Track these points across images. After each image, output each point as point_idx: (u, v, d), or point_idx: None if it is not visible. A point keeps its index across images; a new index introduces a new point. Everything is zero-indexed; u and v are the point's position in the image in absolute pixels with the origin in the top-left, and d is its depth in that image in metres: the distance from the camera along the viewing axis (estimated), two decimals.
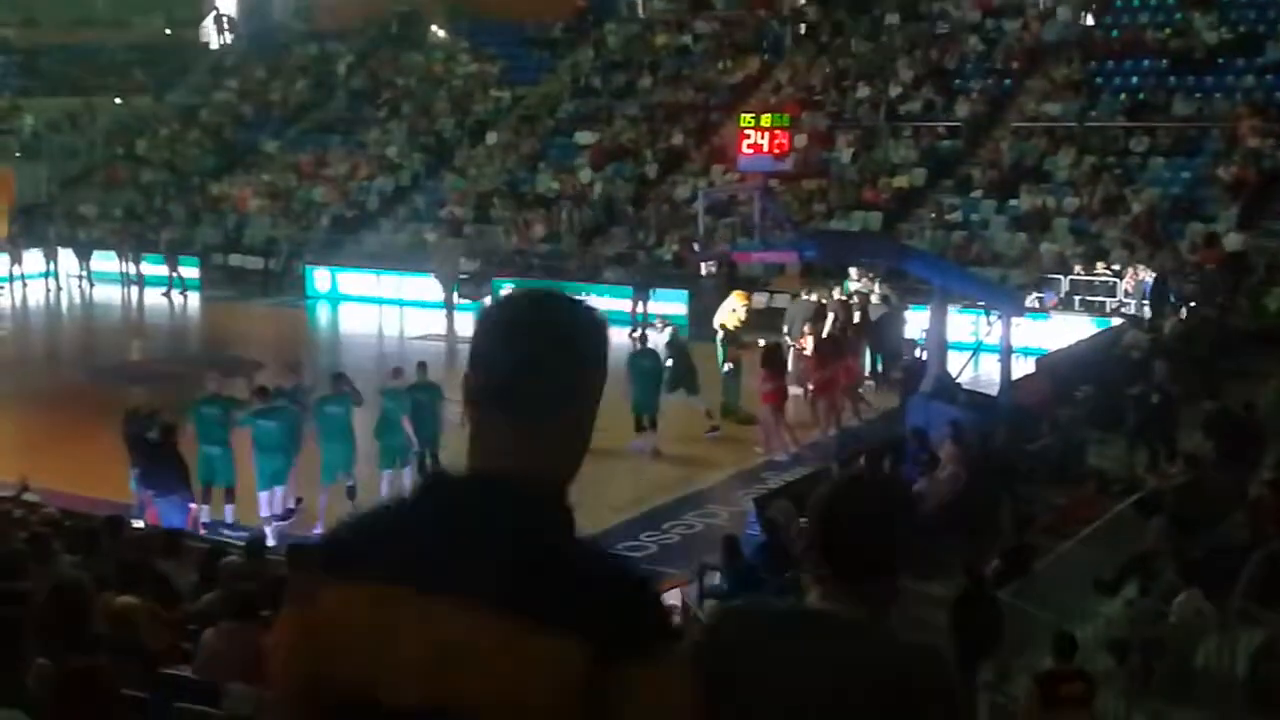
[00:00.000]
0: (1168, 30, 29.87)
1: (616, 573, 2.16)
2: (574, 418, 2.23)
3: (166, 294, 31.65)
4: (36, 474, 16.51)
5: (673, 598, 12.49)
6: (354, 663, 2.06)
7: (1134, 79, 29.23)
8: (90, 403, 22.12)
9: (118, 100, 42.33)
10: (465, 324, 22.80)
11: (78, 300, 32.28)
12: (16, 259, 32.47)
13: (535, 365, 2.16)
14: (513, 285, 25.89)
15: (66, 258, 33.14)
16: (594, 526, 14.68)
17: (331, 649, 2.08)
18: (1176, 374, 16.81)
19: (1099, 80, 29.44)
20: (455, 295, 27.12)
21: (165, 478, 14.48)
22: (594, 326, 2.27)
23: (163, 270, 31.93)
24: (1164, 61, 29.17)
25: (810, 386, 18.85)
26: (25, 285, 32.35)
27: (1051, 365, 18.60)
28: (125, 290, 32.50)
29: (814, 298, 21.19)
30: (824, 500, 2.89)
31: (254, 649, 7.45)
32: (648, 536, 14.89)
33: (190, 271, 32.24)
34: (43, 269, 32.59)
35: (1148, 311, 22.13)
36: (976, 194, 27.80)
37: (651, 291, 26.02)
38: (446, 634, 2.01)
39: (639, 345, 18.96)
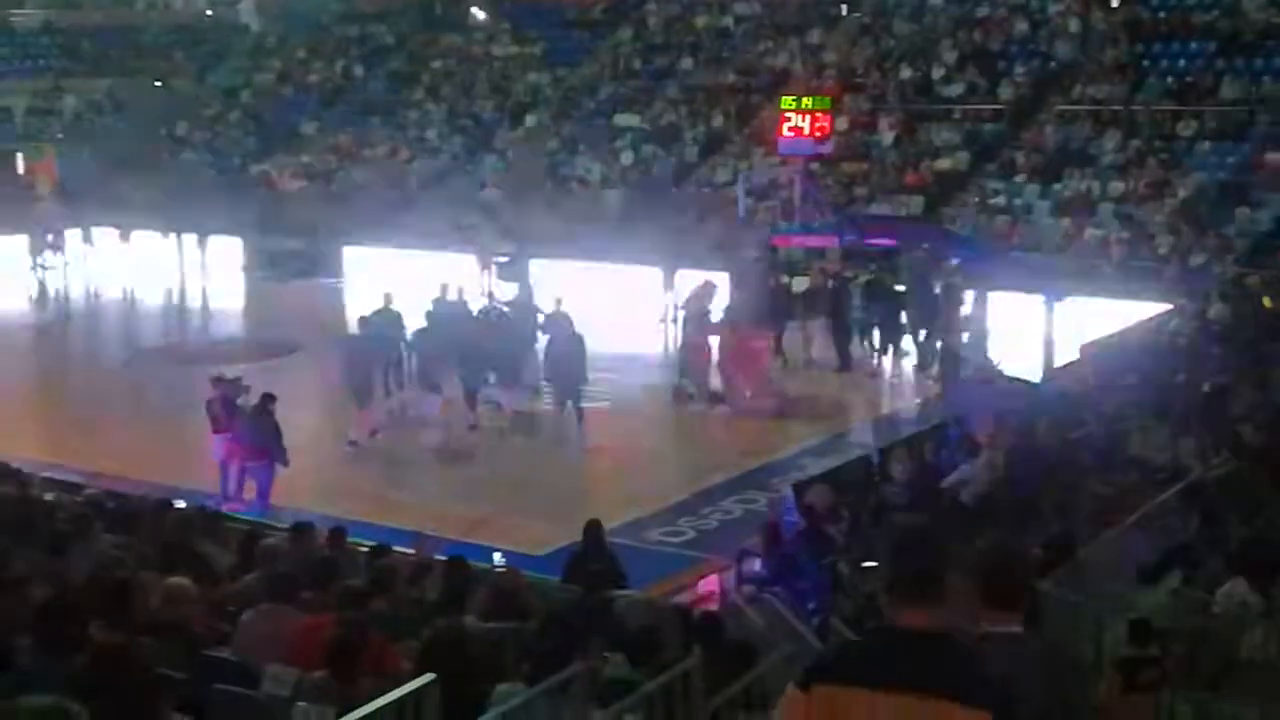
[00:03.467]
0: (1216, 11, 29.42)
1: (988, 672, 3.45)
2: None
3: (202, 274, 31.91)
4: (80, 456, 16.73)
5: (710, 584, 12.48)
6: None
7: (1181, 61, 28.81)
8: (132, 385, 22.31)
9: (159, 82, 42.51)
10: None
11: (118, 282, 32.43)
12: (59, 240, 32.65)
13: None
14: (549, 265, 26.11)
15: (108, 238, 33.33)
16: (636, 512, 14.73)
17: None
18: (1226, 361, 16.59)
19: (1145, 63, 29.05)
20: (492, 277, 27.14)
21: (265, 441, 15.19)
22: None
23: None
24: (1212, 43, 28.75)
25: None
26: (66, 266, 32.53)
27: (1096, 352, 18.38)
28: (166, 271, 32.68)
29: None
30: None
31: (293, 630, 7.46)
32: (686, 522, 14.85)
33: (231, 252, 32.42)
34: (83, 250, 32.72)
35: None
36: (1020, 178, 27.51)
37: (679, 274, 25.87)
38: (907, 714, 3.30)
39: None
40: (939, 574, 3.42)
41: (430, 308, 20.37)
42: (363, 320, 19.33)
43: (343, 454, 17.58)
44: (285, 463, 15.29)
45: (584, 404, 18.16)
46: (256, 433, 15.32)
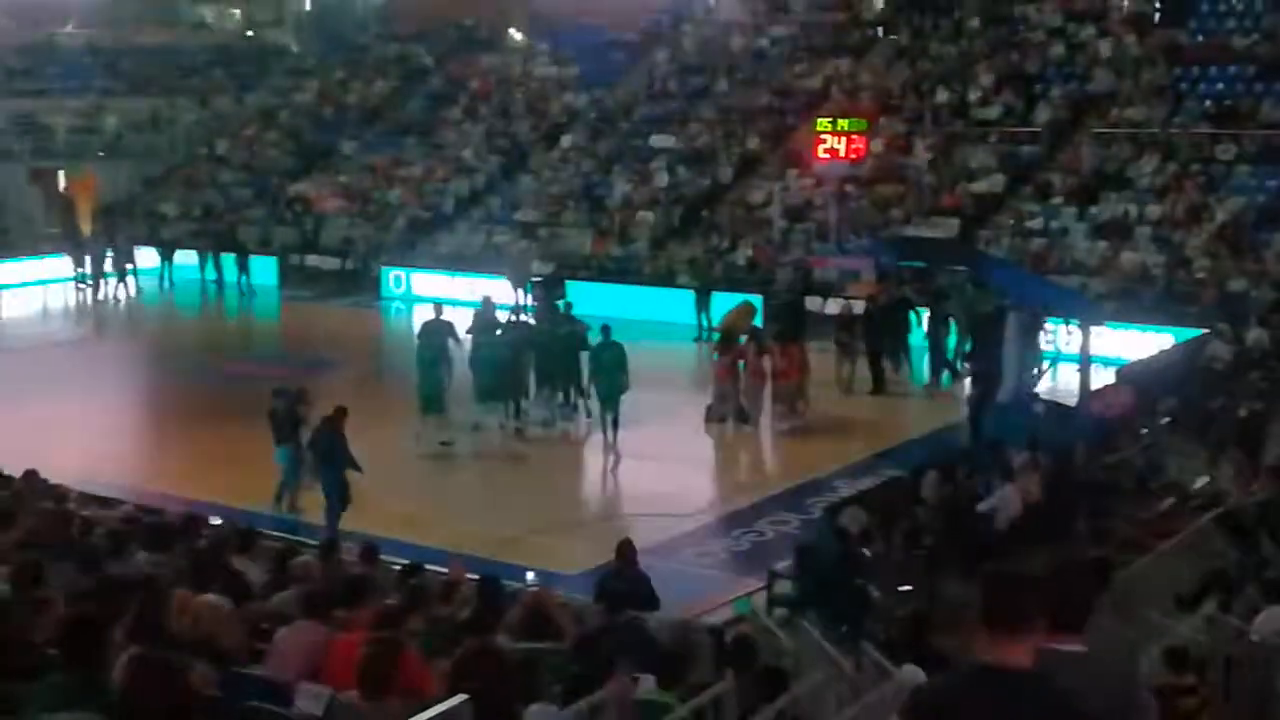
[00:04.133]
0: (1255, 35, 29.28)
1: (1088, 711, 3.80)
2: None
3: (241, 294, 32.18)
4: (117, 472, 16.85)
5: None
6: None
7: (1219, 85, 28.68)
8: (170, 402, 22.49)
9: (199, 101, 42.94)
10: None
11: (157, 300, 32.72)
12: (98, 258, 32.99)
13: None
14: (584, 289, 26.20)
15: (148, 257, 33.65)
16: (668, 533, 14.71)
17: None
18: (1265, 387, 16.45)
19: (1184, 85, 28.92)
20: (527, 298, 27.21)
21: (337, 450, 15.18)
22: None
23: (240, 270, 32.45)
24: (1251, 67, 28.60)
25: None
26: (106, 284, 32.87)
27: (1133, 376, 18.26)
28: (205, 290, 32.95)
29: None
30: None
31: (326, 649, 7.48)
32: (719, 543, 14.81)
33: (268, 272, 32.69)
34: (124, 268, 33.04)
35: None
36: (1057, 201, 27.40)
37: (714, 296, 25.88)
38: None
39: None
40: (1036, 610, 3.64)
41: (471, 321, 20.58)
42: (422, 329, 19.70)
43: (374, 473, 17.65)
44: (359, 469, 15.20)
45: (621, 413, 18.39)
46: (324, 444, 15.34)
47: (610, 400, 18.49)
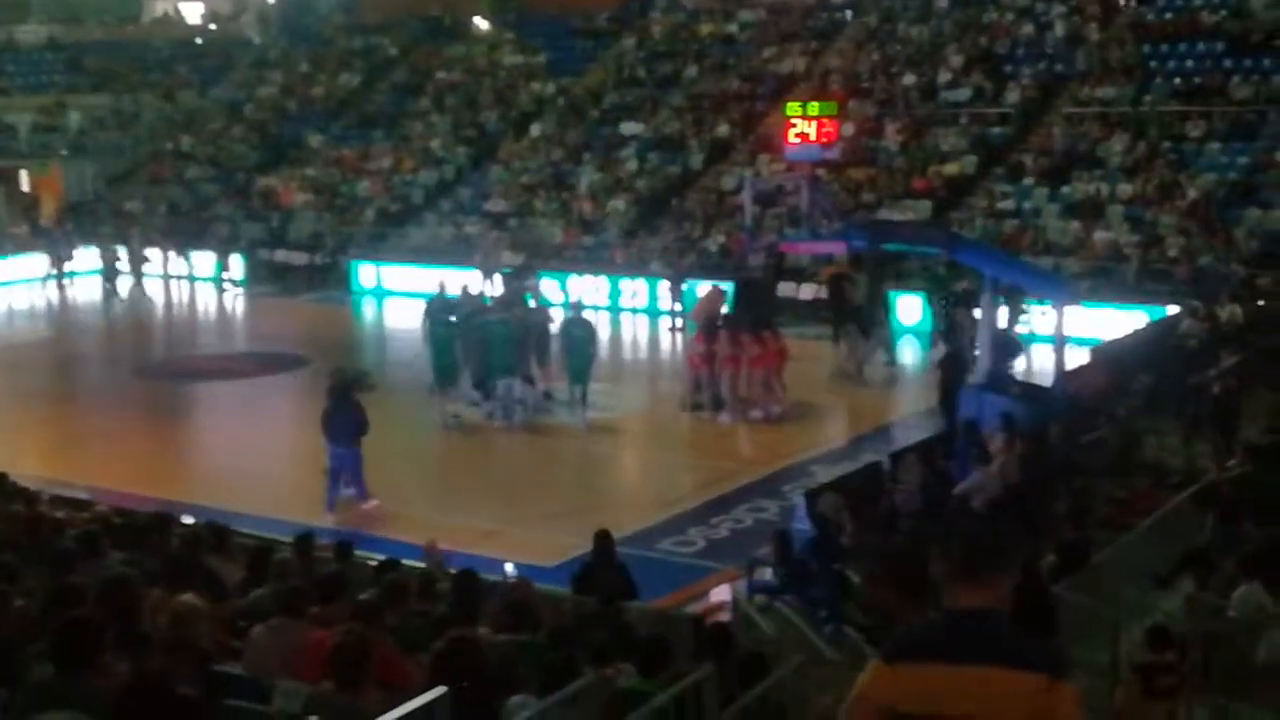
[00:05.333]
0: (1223, 12, 29.37)
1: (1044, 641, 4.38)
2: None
3: (217, 290, 31.96)
4: (87, 471, 16.69)
5: (722, 593, 12.39)
6: (924, 705, 3.83)
7: (1189, 62, 28.75)
8: (138, 400, 22.29)
9: (163, 96, 42.59)
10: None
11: (124, 296, 32.46)
12: (64, 256, 32.69)
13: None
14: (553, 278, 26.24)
15: (114, 254, 33.37)
16: (646, 522, 14.66)
17: (908, 697, 3.85)
18: (1239, 363, 16.49)
19: (1153, 64, 28.99)
20: (495, 286, 27.08)
21: (347, 426, 15.54)
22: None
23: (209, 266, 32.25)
24: (1219, 44, 28.68)
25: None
26: (72, 282, 32.57)
27: (1107, 355, 18.29)
28: (171, 286, 32.70)
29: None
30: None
31: (304, 645, 7.40)
32: (697, 531, 14.76)
33: (235, 267, 32.49)
34: (88, 266, 32.78)
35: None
36: (1028, 181, 27.46)
37: (686, 283, 25.84)
38: (983, 684, 3.80)
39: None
40: (1001, 561, 4.03)
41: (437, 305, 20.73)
42: (428, 308, 20.23)
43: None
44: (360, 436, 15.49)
45: (592, 385, 19.06)
46: (338, 417, 15.52)
47: (580, 375, 18.88)
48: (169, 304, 32.23)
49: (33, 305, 32.10)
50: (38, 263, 33.05)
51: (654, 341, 25.09)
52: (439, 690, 5.99)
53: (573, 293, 25.62)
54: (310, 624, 7.83)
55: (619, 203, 30.91)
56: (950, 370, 17.62)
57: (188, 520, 12.45)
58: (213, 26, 48.61)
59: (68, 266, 32.94)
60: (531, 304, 21.01)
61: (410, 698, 5.96)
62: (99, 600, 7.18)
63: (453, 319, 19.63)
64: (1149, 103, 27.77)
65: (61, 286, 32.61)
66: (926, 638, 4.06)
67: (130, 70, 43.30)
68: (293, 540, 10.97)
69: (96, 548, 9.53)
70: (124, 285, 32.08)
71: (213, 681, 6.81)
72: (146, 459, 18.11)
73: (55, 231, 34.94)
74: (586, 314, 20.69)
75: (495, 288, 27.03)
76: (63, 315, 31.58)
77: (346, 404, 15.67)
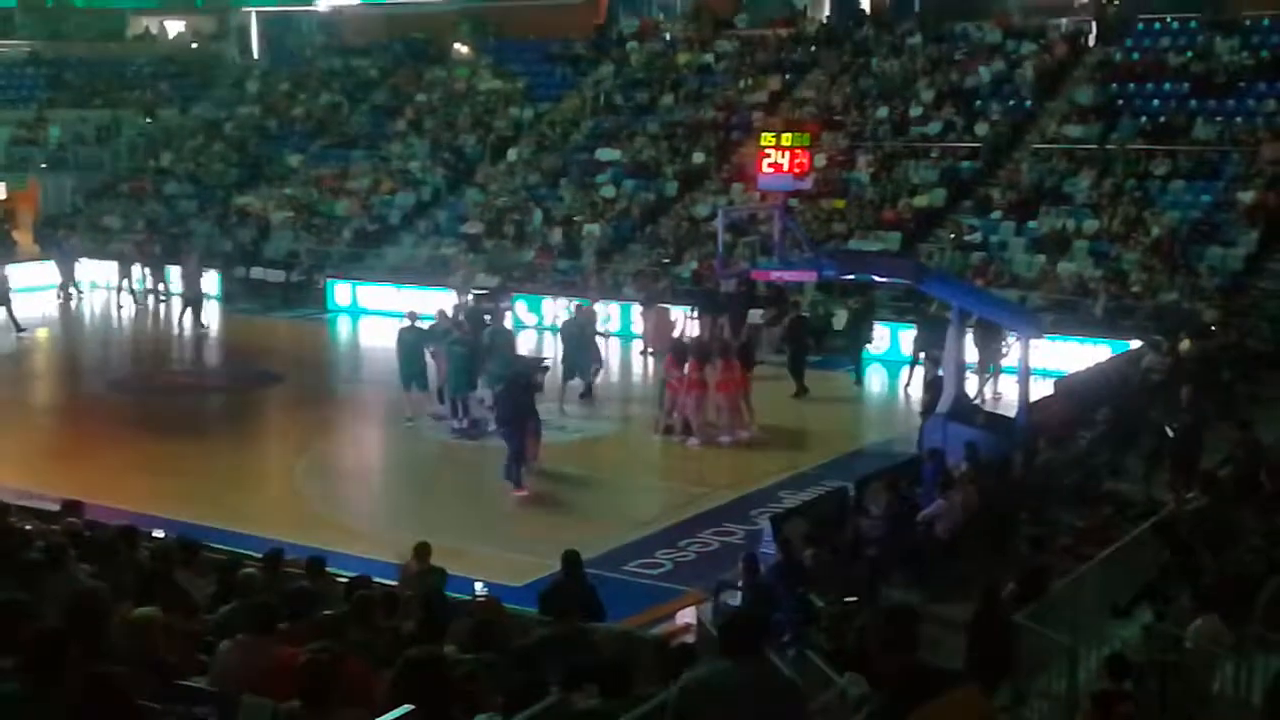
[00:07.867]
0: (1189, 54, 29.86)
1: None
2: None
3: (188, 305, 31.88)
4: (57, 484, 16.67)
5: (688, 616, 12.52)
6: None
7: (1155, 102, 29.22)
8: (110, 414, 22.29)
9: (143, 113, 42.60)
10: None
11: (100, 311, 32.40)
12: (70, 269, 32.65)
13: None
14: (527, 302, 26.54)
15: (89, 269, 33.33)
16: (612, 543, 14.77)
17: None
18: (1197, 398, 16.74)
19: (1119, 102, 29.43)
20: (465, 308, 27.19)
21: (507, 414, 17.58)
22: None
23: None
24: (1185, 85, 29.15)
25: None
26: (79, 294, 32.62)
27: (1070, 387, 18.54)
28: (147, 302, 32.61)
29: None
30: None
31: (270, 661, 7.47)
32: (664, 554, 14.88)
33: (210, 284, 32.40)
34: (65, 280, 32.68)
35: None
36: (996, 215, 27.79)
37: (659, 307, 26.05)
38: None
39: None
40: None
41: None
42: (400, 335, 20.81)
43: (320, 484, 17.63)
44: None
45: (565, 406, 20.80)
46: (504, 405, 17.54)
47: (580, 370, 21.32)
48: (144, 318, 32.15)
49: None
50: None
51: (625, 365, 25.25)
52: (404, 709, 6.07)
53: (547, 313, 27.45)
54: (278, 640, 7.89)
55: (594, 227, 31.08)
56: (930, 397, 17.78)
57: (158, 534, 12.50)
58: (195, 45, 48.65)
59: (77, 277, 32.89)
60: (488, 325, 21.18)
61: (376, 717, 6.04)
62: (68, 614, 7.22)
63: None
64: (1116, 141, 28.18)
65: (68, 298, 32.57)
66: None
67: (112, 86, 43.31)
68: (262, 556, 11.04)
69: (64, 561, 9.57)
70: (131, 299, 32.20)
71: (179, 696, 6.88)
72: (116, 472, 18.12)
73: (64, 245, 34.77)
74: (585, 311, 23.13)
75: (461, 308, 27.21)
76: (36, 327, 31.46)
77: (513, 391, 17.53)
